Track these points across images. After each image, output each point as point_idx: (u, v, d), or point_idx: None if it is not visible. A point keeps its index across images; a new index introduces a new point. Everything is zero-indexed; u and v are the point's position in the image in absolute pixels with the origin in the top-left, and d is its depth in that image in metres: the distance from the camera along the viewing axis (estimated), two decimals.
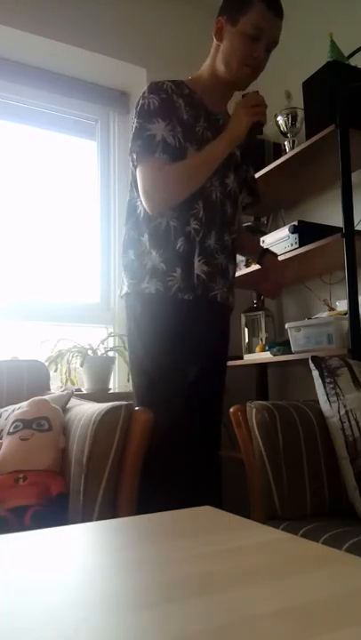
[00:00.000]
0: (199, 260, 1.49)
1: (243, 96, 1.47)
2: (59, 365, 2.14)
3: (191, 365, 1.52)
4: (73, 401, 1.52)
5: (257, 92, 1.48)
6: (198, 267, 1.48)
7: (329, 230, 1.88)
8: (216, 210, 1.53)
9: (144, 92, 1.49)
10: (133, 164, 1.51)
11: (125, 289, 1.54)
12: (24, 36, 2.23)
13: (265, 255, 1.72)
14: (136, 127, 1.46)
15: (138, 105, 1.49)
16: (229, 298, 1.59)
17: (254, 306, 2.34)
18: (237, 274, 2.08)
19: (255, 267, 1.80)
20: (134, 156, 1.48)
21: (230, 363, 2.11)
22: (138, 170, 1.47)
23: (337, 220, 1.82)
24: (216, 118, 1.55)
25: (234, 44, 1.48)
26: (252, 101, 1.45)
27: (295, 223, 1.92)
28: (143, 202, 1.46)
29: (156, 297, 1.47)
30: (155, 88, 1.49)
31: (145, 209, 1.49)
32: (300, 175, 2.07)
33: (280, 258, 1.93)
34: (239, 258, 2.13)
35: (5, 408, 1.52)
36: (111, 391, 2.23)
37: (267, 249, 1.77)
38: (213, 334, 1.58)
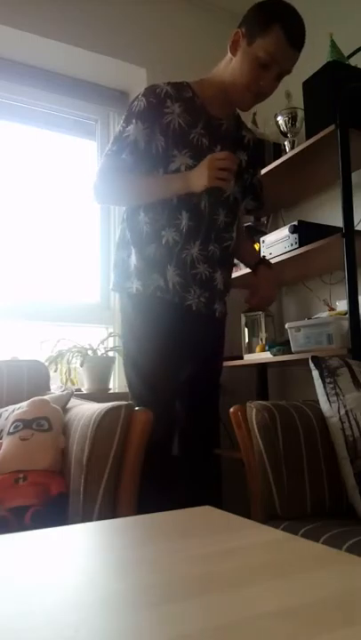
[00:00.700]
0: (173, 271, 1.49)
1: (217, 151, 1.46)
2: (59, 365, 2.14)
3: (182, 363, 1.53)
4: (73, 401, 1.52)
5: (230, 154, 1.40)
6: (172, 277, 1.49)
7: (329, 230, 1.88)
8: (203, 219, 1.51)
9: (138, 94, 1.50)
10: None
11: (112, 286, 1.58)
12: (24, 36, 2.23)
13: (260, 267, 1.69)
14: (118, 129, 1.50)
15: (131, 104, 1.50)
16: (213, 306, 1.56)
17: None
18: (237, 274, 2.10)
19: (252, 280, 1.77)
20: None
21: (230, 363, 2.12)
22: (103, 156, 1.51)
23: (337, 219, 1.82)
24: (218, 123, 1.54)
25: (243, 68, 1.43)
26: (221, 164, 1.37)
27: (295, 223, 1.92)
28: (90, 191, 1.52)
29: (137, 296, 1.50)
30: (148, 91, 1.48)
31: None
32: (300, 175, 2.07)
33: (279, 258, 1.94)
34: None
35: (5, 408, 1.52)
36: (111, 391, 2.23)
37: (262, 259, 1.75)
38: (199, 336, 1.57)
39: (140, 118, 1.45)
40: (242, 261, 1.81)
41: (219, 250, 1.56)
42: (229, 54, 1.47)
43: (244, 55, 1.43)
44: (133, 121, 1.46)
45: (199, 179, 1.39)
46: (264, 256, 1.94)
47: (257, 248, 2.15)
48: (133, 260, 1.51)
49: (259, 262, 1.71)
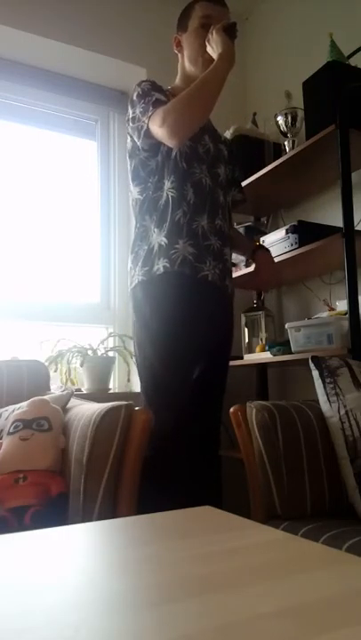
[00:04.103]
0: (185, 242, 1.51)
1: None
2: (59, 365, 2.14)
3: (197, 360, 1.53)
4: (73, 401, 1.52)
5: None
6: (184, 248, 1.51)
7: (329, 230, 1.88)
8: (206, 195, 1.58)
9: (135, 85, 1.56)
10: (138, 134, 1.53)
11: (140, 277, 1.53)
12: (24, 36, 2.23)
13: (257, 251, 1.79)
14: (142, 107, 1.49)
15: (134, 94, 1.54)
16: (225, 280, 1.60)
17: (254, 306, 2.33)
18: (237, 274, 2.10)
19: (252, 267, 1.85)
20: (148, 122, 1.48)
21: (230, 363, 2.11)
22: (150, 122, 1.47)
23: (337, 219, 1.82)
24: None
25: (191, 43, 1.59)
26: (213, 31, 1.52)
27: (295, 223, 1.92)
28: (162, 137, 1.46)
29: (165, 276, 1.49)
30: (144, 81, 1.57)
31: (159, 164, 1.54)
32: (300, 175, 2.07)
33: (279, 258, 1.94)
34: (239, 258, 2.13)
35: (5, 408, 1.52)
36: (111, 391, 2.23)
37: (259, 245, 1.83)
38: (215, 312, 1.59)
39: (157, 91, 1.52)
40: (237, 250, 1.83)
41: (225, 226, 1.62)
42: (179, 55, 1.66)
43: (187, 39, 1.61)
44: (153, 93, 1.50)
45: (218, 43, 1.49)
46: (260, 243, 1.97)
47: None
48: (156, 238, 1.53)
49: (257, 248, 1.81)
